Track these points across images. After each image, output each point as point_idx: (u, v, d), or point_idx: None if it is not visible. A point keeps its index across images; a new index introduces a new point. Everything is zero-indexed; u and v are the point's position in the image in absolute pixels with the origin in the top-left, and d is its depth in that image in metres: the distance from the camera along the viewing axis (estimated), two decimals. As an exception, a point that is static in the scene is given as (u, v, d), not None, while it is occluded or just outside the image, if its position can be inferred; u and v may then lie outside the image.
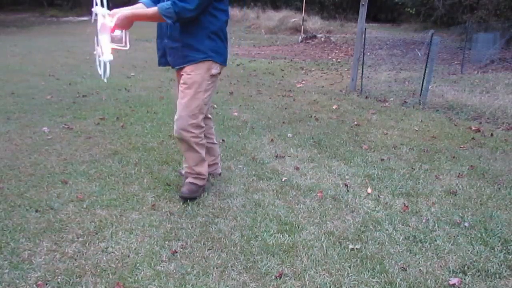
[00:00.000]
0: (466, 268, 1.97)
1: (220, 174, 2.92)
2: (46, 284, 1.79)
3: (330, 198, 2.67)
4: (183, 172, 2.73)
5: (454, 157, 3.46)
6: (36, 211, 2.38)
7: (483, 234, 2.26)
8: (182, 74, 2.42)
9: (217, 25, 2.36)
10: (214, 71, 2.42)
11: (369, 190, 2.79)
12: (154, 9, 2.21)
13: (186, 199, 2.54)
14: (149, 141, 3.62)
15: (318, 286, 1.83)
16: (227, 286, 1.82)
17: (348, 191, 2.78)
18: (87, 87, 5.88)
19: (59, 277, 1.84)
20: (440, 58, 9.45)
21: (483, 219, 2.42)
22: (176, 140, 2.60)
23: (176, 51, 2.39)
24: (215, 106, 5.01)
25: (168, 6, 2.16)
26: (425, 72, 5.33)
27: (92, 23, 2.21)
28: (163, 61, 2.53)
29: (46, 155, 3.24)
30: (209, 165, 2.74)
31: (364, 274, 1.92)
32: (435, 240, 2.21)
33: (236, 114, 4.67)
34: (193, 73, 2.37)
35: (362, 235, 2.24)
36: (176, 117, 2.43)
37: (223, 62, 2.47)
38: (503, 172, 3.15)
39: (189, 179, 2.58)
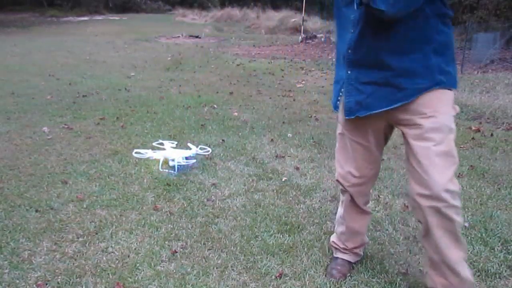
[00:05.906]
0: (466, 268, 1.97)
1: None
2: (46, 284, 1.79)
3: (330, 198, 2.67)
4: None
5: (454, 157, 3.46)
6: (36, 211, 2.39)
7: (483, 234, 2.26)
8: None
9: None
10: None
11: (369, 190, 2.78)
12: None
13: None
14: (149, 141, 3.62)
15: (318, 286, 1.83)
16: (227, 286, 1.82)
17: (348, 191, 2.78)
18: (87, 87, 5.88)
19: (59, 277, 1.84)
20: (440, 58, 9.43)
21: (483, 219, 2.42)
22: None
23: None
24: (215, 106, 5.02)
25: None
26: (425, 72, 5.32)
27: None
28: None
29: (46, 155, 3.24)
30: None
31: (364, 274, 1.91)
32: (435, 240, 2.20)
33: (236, 114, 4.67)
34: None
35: (362, 235, 2.23)
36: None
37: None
38: (503, 172, 3.14)
39: None
